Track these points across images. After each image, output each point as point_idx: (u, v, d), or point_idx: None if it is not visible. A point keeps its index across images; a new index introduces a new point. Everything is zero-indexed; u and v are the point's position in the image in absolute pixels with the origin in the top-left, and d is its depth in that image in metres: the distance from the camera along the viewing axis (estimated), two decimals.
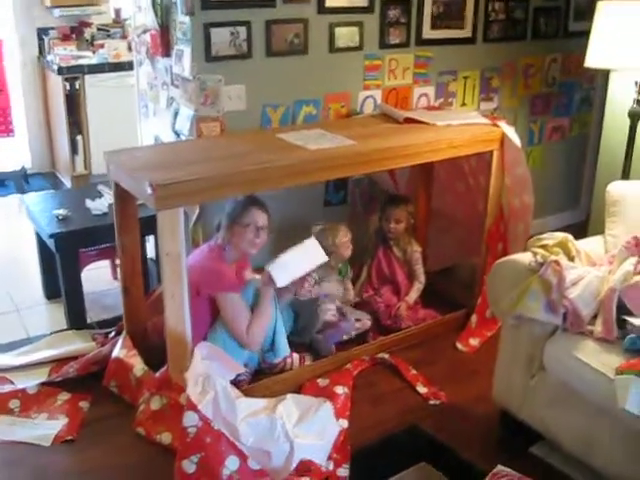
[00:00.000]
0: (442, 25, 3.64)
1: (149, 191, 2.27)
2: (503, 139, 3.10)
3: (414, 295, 3.38)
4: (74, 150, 5.32)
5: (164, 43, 3.18)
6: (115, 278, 3.89)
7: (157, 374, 2.63)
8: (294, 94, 3.28)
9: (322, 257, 2.80)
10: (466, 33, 3.74)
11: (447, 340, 3.27)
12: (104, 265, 3.78)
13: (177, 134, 3.22)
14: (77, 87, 5.18)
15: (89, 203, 3.29)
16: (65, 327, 3.33)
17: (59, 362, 3.02)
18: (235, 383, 2.77)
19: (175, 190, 2.30)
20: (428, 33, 3.60)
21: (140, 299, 2.90)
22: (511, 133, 3.11)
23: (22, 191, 5.31)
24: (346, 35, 3.34)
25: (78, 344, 3.14)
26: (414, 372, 2.99)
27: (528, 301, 2.32)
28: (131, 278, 2.85)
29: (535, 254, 2.43)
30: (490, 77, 3.93)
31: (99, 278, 3.77)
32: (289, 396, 2.51)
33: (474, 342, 3.26)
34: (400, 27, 3.49)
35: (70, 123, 5.25)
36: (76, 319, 3.31)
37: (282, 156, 2.59)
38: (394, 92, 3.61)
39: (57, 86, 5.21)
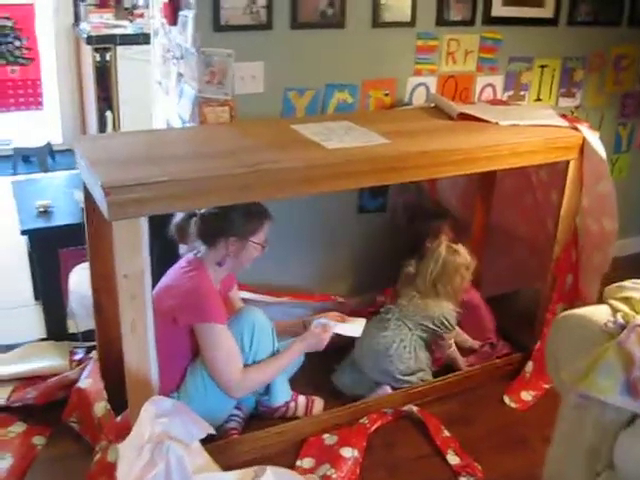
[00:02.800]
0: (517, 1, 2.97)
1: (101, 194, 1.74)
2: (584, 147, 2.45)
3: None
4: (102, 127, 4.88)
5: (173, 8, 2.63)
6: None
7: (118, 418, 2.12)
8: (325, 76, 2.68)
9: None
10: (547, 12, 3.06)
11: (493, 391, 2.65)
12: None
13: (182, 119, 2.68)
14: (108, 59, 4.72)
15: (77, 194, 2.78)
16: (44, 336, 2.85)
17: (26, 380, 2.55)
18: (225, 431, 2.25)
19: (136, 195, 1.75)
20: (499, 10, 2.94)
21: (115, 318, 2.36)
22: (594, 140, 2.45)
23: (45, 169, 4.92)
24: (395, 7, 2.70)
25: (50, 360, 2.66)
26: (446, 434, 2.38)
27: (600, 377, 1.69)
28: (105, 292, 2.33)
29: (615, 311, 1.79)
30: (573, 68, 3.23)
31: None
32: (269, 470, 1.94)
33: (527, 396, 2.63)
34: (464, 0, 2.84)
35: (100, 98, 4.82)
36: (55, 328, 2.83)
37: (288, 155, 2.01)
38: (452, 80, 2.97)
39: (88, 57, 4.78)
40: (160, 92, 3.15)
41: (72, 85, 5.24)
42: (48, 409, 2.40)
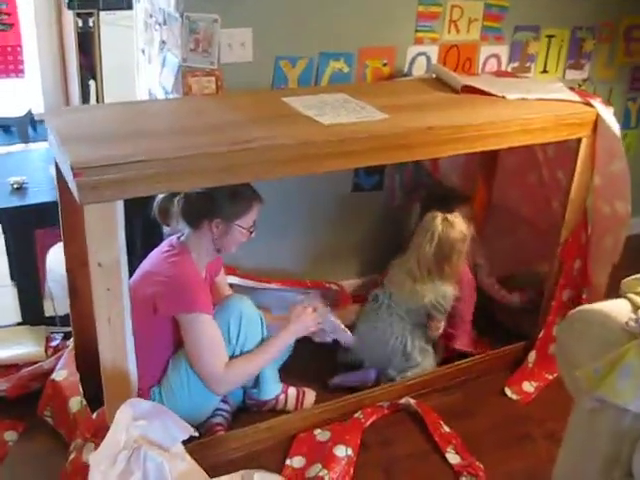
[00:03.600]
0: None
1: (70, 175, 1.56)
2: (597, 124, 2.27)
3: None
4: (85, 97, 4.65)
5: None
6: None
7: (94, 415, 1.96)
8: (319, 44, 2.49)
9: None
10: None
11: (494, 382, 2.51)
12: None
13: (165, 90, 2.49)
14: (91, 25, 4.48)
15: (53, 170, 2.59)
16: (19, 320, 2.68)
17: None
18: (210, 427, 2.10)
19: (110, 176, 1.57)
20: None
21: (92, 303, 2.20)
22: (608, 116, 2.28)
23: (26, 139, 4.71)
24: None
25: (25, 347, 2.49)
26: (446, 429, 2.24)
27: (619, 380, 1.54)
28: (81, 274, 2.13)
29: (636, 307, 1.63)
30: (582, 38, 3.04)
31: None
32: (256, 476, 1.81)
33: (529, 388, 2.49)
34: None
35: (82, 66, 4.58)
36: (31, 312, 2.65)
37: (279, 132, 1.83)
38: (454, 50, 2.78)
39: (70, 23, 4.53)
40: (143, 61, 2.94)
41: (54, 52, 4.98)
42: (21, 402, 2.25)
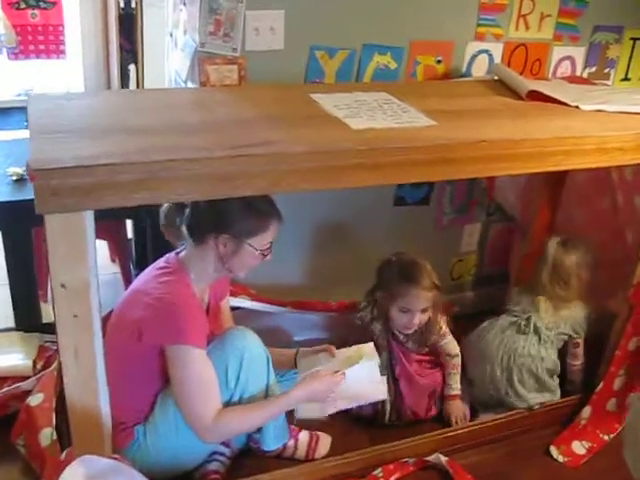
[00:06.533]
0: None
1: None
2: None
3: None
4: (124, 82, 4.41)
5: None
6: (113, 261, 2.98)
7: (63, 455, 1.67)
8: (363, 34, 2.16)
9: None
10: None
11: (539, 440, 2.15)
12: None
13: (180, 78, 2.19)
14: (133, 6, 4.23)
15: None
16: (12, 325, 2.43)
17: None
18: (204, 475, 1.80)
19: (76, 180, 1.26)
20: None
21: None
22: None
23: None
24: None
25: (11, 358, 2.23)
26: None
27: None
28: None
29: None
30: None
31: None
32: None
33: (580, 449, 2.14)
34: None
35: (123, 49, 4.34)
36: (25, 316, 2.40)
37: (291, 135, 1.50)
38: (522, 49, 2.41)
39: (113, 3, 4.31)
40: (171, 45, 2.66)
41: (96, 33, 4.77)
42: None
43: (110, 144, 1.37)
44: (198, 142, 1.41)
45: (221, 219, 1.70)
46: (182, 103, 1.77)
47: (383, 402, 2.08)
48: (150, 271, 1.76)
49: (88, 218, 1.33)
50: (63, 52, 4.89)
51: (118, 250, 2.87)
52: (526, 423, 2.15)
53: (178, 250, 1.79)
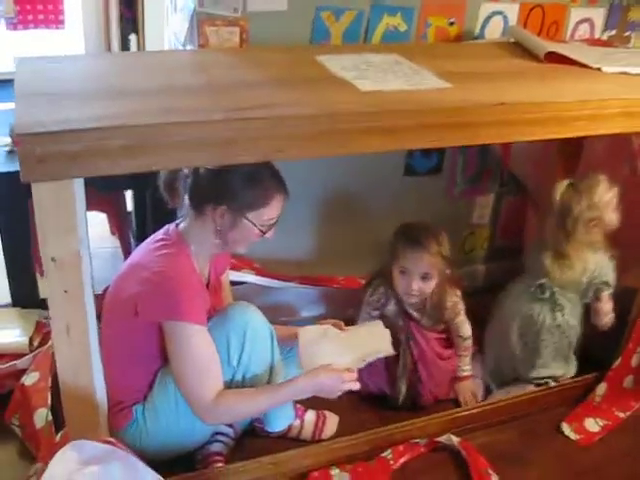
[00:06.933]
0: None
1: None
2: None
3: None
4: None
5: None
6: (114, 234, 2.90)
7: (57, 437, 1.60)
8: None
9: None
10: None
11: (556, 417, 2.07)
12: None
13: (177, 41, 2.08)
14: None
15: None
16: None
17: None
18: (206, 457, 1.72)
19: (63, 146, 1.17)
20: None
21: None
22: None
23: None
24: None
25: (8, 334, 2.16)
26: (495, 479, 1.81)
27: None
28: None
29: None
30: None
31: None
32: None
33: (594, 426, 2.06)
34: None
35: (123, 18, 4.22)
36: (22, 294, 2.32)
37: (294, 98, 1.40)
38: (538, 10, 2.29)
39: None
40: (170, 9, 2.54)
41: (97, 1, 4.65)
42: None
43: (100, 107, 1.28)
44: (194, 105, 1.31)
45: (220, 189, 1.60)
46: (179, 65, 1.67)
47: (396, 384, 2.00)
48: (148, 243, 1.67)
49: (77, 187, 1.24)
50: (62, 22, 4.75)
51: (118, 222, 2.79)
52: (539, 403, 2.07)
53: (178, 221, 1.70)
